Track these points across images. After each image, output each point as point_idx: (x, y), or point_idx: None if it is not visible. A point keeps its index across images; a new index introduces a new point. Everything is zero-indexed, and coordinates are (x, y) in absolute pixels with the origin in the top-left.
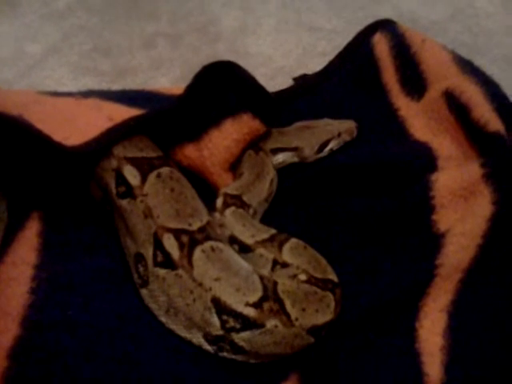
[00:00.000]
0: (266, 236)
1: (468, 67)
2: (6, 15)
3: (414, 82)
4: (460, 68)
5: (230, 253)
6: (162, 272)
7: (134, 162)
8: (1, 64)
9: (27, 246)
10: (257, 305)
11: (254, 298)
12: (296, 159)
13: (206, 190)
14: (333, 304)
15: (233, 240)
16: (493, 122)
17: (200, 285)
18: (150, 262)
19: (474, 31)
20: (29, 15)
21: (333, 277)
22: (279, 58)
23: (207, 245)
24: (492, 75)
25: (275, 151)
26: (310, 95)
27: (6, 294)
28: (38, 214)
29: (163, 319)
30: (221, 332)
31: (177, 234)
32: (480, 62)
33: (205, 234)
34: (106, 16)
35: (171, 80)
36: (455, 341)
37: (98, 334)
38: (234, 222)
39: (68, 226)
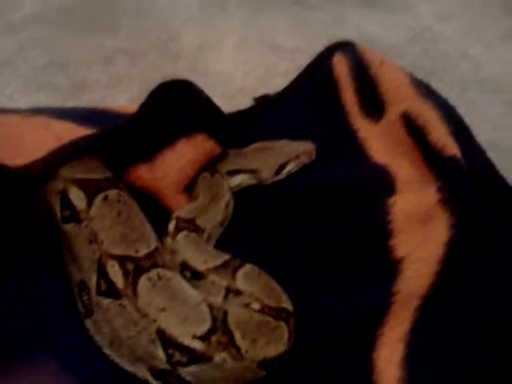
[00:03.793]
0: (219, 262)
1: (425, 90)
2: None
3: (373, 103)
4: (417, 91)
5: (177, 280)
6: (105, 301)
7: (80, 183)
8: None
9: None
10: (204, 337)
11: (202, 329)
12: (253, 181)
13: (160, 213)
14: (286, 335)
15: (184, 266)
16: (449, 145)
17: (145, 316)
18: (93, 290)
19: (431, 55)
20: None
21: (287, 305)
22: (240, 77)
23: (154, 272)
24: (448, 99)
25: (232, 173)
26: (269, 115)
27: None
28: None
29: (107, 351)
30: (167, 366)
31: (122, 260)
32: (437, 85)
33: (152, 260)
34: (63, 29)
35: (129, 98)
36: (413, 371)
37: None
38: (186, 247)
39: (6, 248)
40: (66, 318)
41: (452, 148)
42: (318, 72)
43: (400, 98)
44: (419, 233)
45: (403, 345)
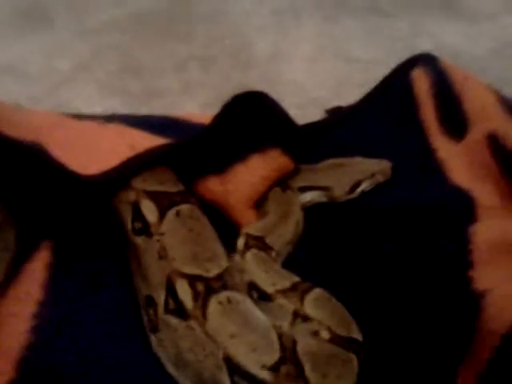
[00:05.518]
0: (287, 284)
1: None
2: (39, 31)
3: (455, 121)
4: (505, 110)
5: (247, 305)
6: (173, 321)
7: (153, 196)
8: (29, 80)
9: (33, 280)
10: (274, 368)
11: (271, 359)
12: (324, 199)
13: (227, 228)
14: (356, 368)
15: (252, 286)
16: None
17: (213, 341)
18: (160, 307)
19: None
20: (61, 31)
21: (357, 335)
22: (313, 87)
23: (224, 295)
24: None
25: (303, 189)
26: (342, 128)
27: (5, 331)
28: (49, 244)
29: (171, 370)
30: None
31: (192, 280)
32: None
33: (222, 281)
34: (138, 36)
35: (200, 105)
36: None
37: None
38: (254, 267)
39: (78, 258)
40: (131, 330)
41: None
42: (395, 85)
43: (486, 117)
44: (503, 266)
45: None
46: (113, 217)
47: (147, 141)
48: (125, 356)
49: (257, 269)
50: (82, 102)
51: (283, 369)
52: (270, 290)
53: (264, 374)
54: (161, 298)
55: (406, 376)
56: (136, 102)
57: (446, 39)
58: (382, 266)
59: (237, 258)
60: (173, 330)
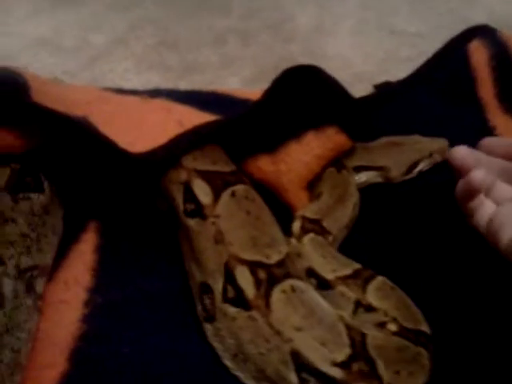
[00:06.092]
0: (348, 272)
1: None
2: (73, 3)
3: None
4: None
5: (312, 295)
6: (232, 310)
7: (205, 176)
8: (64, 54)
9: (82, 264)
10: (345, 364)
11: (342, 355)
12: (380, 179)
13: (279, 209)
14: (427, 364)
15: (311, 273)
16: None
17: (278, 333)
18: (218, 296)
19: None
20: (95, 4)
21: (425, 328)
22: (359, 62)
23: (287, 283)
24: None
25: (358, 169)
26: (393, 105)
27: (55, 320)
28: (95, 224)
29: (228, 363)
30: None
31: (253, 267)
32: None
33: (284, 269)
34: (174, 9)
35: (241, 80)
36: None
37: (155, 377)
38: (313, 252)
39: (127, 241)
40: (184, 319)
41: None
42: (451, 59)
43: None
44: None
45: None
46: (163, 198)
47: (196, 117)
48: (179, 346)
49: (315, 254)
50: (118, 77)
51: (355, 366)
52: (329, 276)
53: (335, 371)
54: (218, 285)
55: (480, 374)
56: (174, 76)
57: (500, 9)
58: (446, 251)
59: (293, 241)
60: (232, 319)
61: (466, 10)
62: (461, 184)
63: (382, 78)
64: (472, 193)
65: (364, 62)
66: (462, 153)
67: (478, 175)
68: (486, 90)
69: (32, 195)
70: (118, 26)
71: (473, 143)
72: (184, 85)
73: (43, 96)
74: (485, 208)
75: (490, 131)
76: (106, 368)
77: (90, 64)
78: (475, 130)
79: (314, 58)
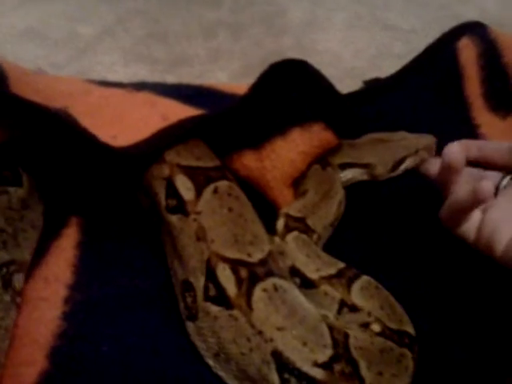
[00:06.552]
0: (332, 271)
1: None
2: None
3: (502, 96)
4: None
5: (294, 294)
6: (213, 309)
7: (188, 171)
8: (52, 46)
9: (62, 260)
10: (327, 365)
11: (324, 356)
12: (365, 177)
13: (263, 206)
14: (411, 365)
15: (294, 272)
16: None
17: (259, 333)
18: (199, 293)
19: None
20: None
21: (409, 329)
22: (349, 57)
23: (269, 282)
24: None
25: (343, 166)
26: (381, 101)
27: (35, 317)
28: (77, 220)
29: (211, 362)
30: None
31: (234, 265)
32: None
33: (266, 267)
34: (164, 0)
35: (230, 74)
36: None
37: (135, 375)
38: (296, 251)
39: (109, 237)
40: (167, 317)
41: None
42: (439, 56)
43: None
44: None
45: None
46: (145, 193)
47: (180, 111)
48: (161, 345)
49: (299, 253)
50: (105, 69)
51: (337, 367)
52: (313, 275)
53: (316, 372)
54: (200, 283)
55: (463, 375)
56: (162, 69)
57: (492, 7)
58: (432, 249)
59: (277, 240)
60: (213, 318)
61: (459, 6)
62: (459, 196)
63: (373, 74)
64: (475, 205)
65: (355, 57)
66: (454, 150)
67: (487, 186)
68: (473, 88)
69: (9, 189)
70: (107, 18)
71: (454, 139)
72: (171, 78)
73: (22, 86)
74: (471, 217)
75: (473, 129)
76: (86, 366)
77: (78, 56)
78: (459, 128)
79: (305, 53)
